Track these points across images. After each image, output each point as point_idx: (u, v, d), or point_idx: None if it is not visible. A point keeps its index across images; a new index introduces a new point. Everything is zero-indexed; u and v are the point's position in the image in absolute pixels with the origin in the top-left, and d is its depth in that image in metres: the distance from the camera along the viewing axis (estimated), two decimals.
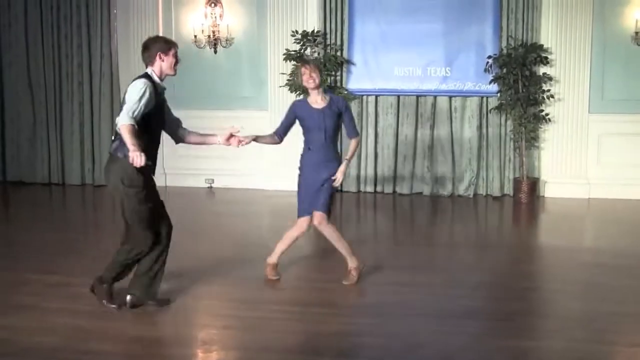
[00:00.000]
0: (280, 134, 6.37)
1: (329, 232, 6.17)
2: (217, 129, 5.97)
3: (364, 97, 11.06)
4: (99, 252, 7.37)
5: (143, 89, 5.07)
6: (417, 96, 10.97)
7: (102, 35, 11.59)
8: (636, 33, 10.20)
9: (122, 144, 5.03)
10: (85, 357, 4.55)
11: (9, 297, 5.78)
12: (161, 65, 5.33)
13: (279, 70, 10.96)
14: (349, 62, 10.98)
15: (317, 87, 6.05)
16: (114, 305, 5.43)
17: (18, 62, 11.87)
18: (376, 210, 10.47)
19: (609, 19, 10.42)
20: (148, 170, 5.21)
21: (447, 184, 10.94)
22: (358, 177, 11.18)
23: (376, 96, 11.01)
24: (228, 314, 5.50)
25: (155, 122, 5.31)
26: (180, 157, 10.74)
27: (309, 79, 6.00)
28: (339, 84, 11.02)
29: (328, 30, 10.99)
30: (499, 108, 10.54)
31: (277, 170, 11.14)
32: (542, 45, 10.34)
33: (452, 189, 10.93)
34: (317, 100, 6.11)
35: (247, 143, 5.96)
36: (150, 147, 5.17)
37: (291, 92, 10.60)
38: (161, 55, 5.32)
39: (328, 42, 10.98)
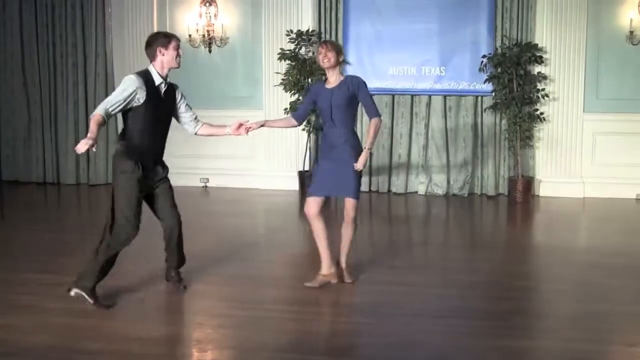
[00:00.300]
0: (297, 116, 6.29)
1: (352, 219, 6.15)
2: None
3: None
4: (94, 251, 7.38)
5: (124, 86, 5.26)
6: (412, 95, 10.99)
7: (97, 35, 11.58)
8: (631, 32, 10.22)
9: (122, 137, 5.41)
10: (81, 356, 4.55)
11: (4, 297, 5.76)
12: (162, 60, 5.42)
13: (273, 69, 10.96)
14: (344, 61, 10.95)
15: (332, 67, 5.92)
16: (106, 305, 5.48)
17: (13, 61, 11.86)
18: (371, 209, 10.47)
19: (604, 18, 10.44)
20: (138, 159, 5.37)
21: (442, 183, 10.95)
22: None
23: (371, 95, 11.00)
24: (223, 313, 5.49)
25: (149, 117, 5.38)
26: (175, 156, 10.68)
27: (324, 58, 5.89)
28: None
29: (323, 30, 10.99)
30: (493, 107, 10.55)
31: (272, 169, 11.15)
32: (536, 45, 10.35)
33: (446, 188, 10.94)
34: (331, 81, 5.99)
35: (255, 128, 6.02)
36: (141, 142, 5.38)
37: (286, 91, 10.61)
38: (161, 49, 5.41)
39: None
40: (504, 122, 10.66)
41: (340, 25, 11.03)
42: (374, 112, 6.00)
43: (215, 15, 11.15)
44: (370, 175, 11.18)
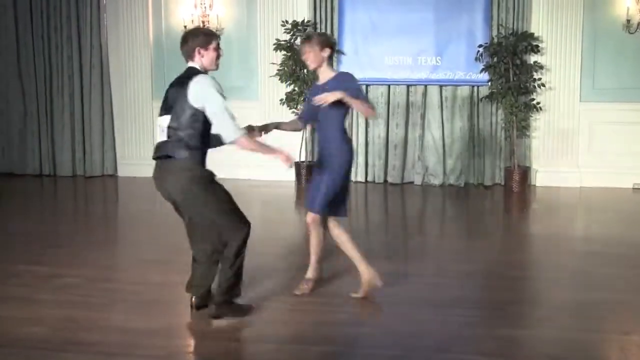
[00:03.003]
0: (300, 118, 5.86)
1: (314, 235, 5.66)
2: None
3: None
4: (89, 243, 7.37)
5: (215, 88, 4.79)
6: (408, 85, 10.97)
7: (92, 27, 11.54)
8: (628, 21, 10.20)
9: (178, 143, 4.78)
10: (75, 348, 4.53)
11: None
12: (202, 61, 4.91)
13: (269, 60, 10.93)
14: (339, 51, 10.93)
15: (318, 67, 5.44)
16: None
17: (8, 53, 11.81)
18: (367, 200, 10.46)
19: (600, 6, 10.43)
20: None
21: (438, 173, 10.94)
22: None
23: (367, 85, 10.98)
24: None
25: (208, 121, 4.87)
26: None
27: (306, 59, 5.45)
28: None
29: (318, 20, 10.97)
30: (489, 97, 10.54)
31: (263, 160, 11.11)
32: (532, 34, 10.33)
33: (443, 179, 10.93)
34: (321, 78, 5.52)
35: (270, 130, 5.67)
36: (205, 147, 4.93)
37: (281, 82, 10.59)
38: (200, 50, 4.90)
39: (318, 31, 10.95)
40: (500, 111, 10.66)
41: (335, 15, 11.00)
42: (367, 111, 5.49)
43: (210, 6, 11.10)
44: (367, 165, 11.17)
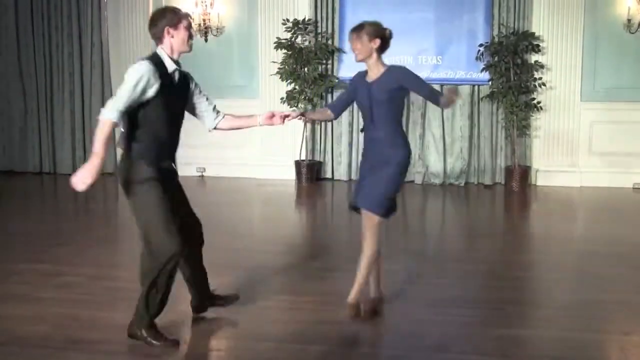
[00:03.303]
0: (333, 107, 5.30)
1: (369, 245, 4.99)
2: None
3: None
4: (90, 241, 7.37)
5: (136, 76, 4.25)
6: None
7: (93, 25, 11.55)
8: (628, 20, 10.20)
9: (128, 140, 4.41)
10: (77, 346, 4.53)
11: (0, 287, 5.75)
12: (171, 42, 4.45)
13: (270, 58, 10.93)
14: (340, 50, 10.95)
15: (366, 57, 4.93)
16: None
17: (8, 52, 11.83)
18: None
19: (601, 6, 10.43)
20: (155, 162, 4.41)
21: (438, 173, 10.94)
22: (349, 165, 11.17)
23: None
24: None
25: (165, 112, 4.41)
26: None
27: (354, 50, 4.96)
28: (330, 73, 11.00)
29: (319, 19, 10.96)
30: (490, 96, 10.54)
31: (268, 159, 11.13)
32: (533, 33, 10.34)
33: (443, 178, 10.93)
34: (371, 74, 4.98)
35: (294, 117, 5.10)
36: (156, 142, 4.42)
37: (282, 80, 10.59)
38: (169, 30, 4.43)
39: (319, 30, 10.96)
40: (500, 111, 10.66)
41: (336, 14, 11.00)
42: (435, 97, 4.88)
43: (211, 4, 11.10)
44: None
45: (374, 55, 4.91)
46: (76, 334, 4.73)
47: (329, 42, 10.94)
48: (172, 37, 4.45)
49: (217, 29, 11.08)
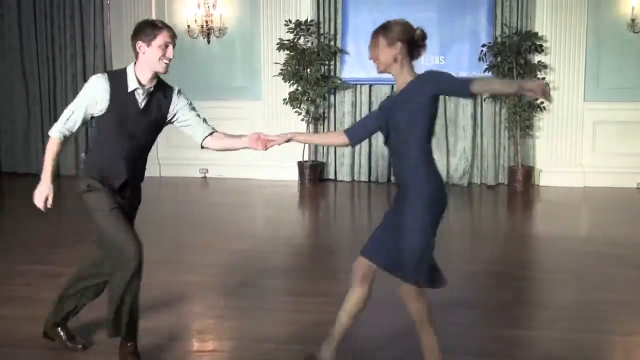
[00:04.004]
0: (352, 134, 4.32)
1: (416, 312, 4.13)
2: (210, 120, 4.73)
3: (358, 87, 11.04)
4: (93, 242, 7.37)
5: (83, 90, 4.14)
6: None
7: (95, 26, 11.57)
8: (632, 20, 10.17)
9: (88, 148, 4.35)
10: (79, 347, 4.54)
11: (3, 288, 5.76)
12: (142, 59, 4.07)
13: (272, 59, 10.92)
14: (343, 51, 10.95)
15: (387, 67, 3.97)
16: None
17: (12, 54, 11.84)
18: (370, 199, 10.46)
19: (605, 6, 10.41)
20: (100, 179, 4.21)
21: (441, 173, 10.90)
22: (352, 166, 11.16)
23: (370, 85, 11.00)
24: (222, 304, 5.48)
25: (114, 132, 4.13)
26: (174, 146, 10.70)
27: (372, 60, 4.03)
28: (332, 74, 11.00)
29: (321, 20, 10.96)
30: (493, 97, 10.52)
31: (271, 160, 11.12)
32: (536, 33, 10.32)
33: (446, 178, 10.91)
34: (397, 85, 4.02)
35: (278, 143, 4.29)
36: (103, 161, 4.21)
37: (285, 81, 10.59)
38: (141, 45, 4.04)
39: (321, 31, 10.95)
40: (503, 111, 10.64)
41: (339, 15, 10.99)
42: (466, 91, 3.78)
43: (213, 6, 11.10)
44: (370, 165, 11.16)
45: (397, 63, 3.94)
46: (80, 335, 4.73)
47: (332, 43, 10.94)
48: (144, 53, 4.05)
49: (219, 30, 11.09)
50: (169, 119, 4.32)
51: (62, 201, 10.54)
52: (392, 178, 11.01)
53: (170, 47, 4.08)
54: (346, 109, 11.06)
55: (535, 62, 10.39)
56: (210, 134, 4.39)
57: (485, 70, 10.40)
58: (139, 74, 4.10)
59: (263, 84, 11.20)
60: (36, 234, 7.75)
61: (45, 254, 6.86)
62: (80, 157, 11.77)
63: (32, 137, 11.91)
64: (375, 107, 11.01)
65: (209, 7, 11.09)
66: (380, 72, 4.01)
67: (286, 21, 10.67)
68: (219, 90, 11.23)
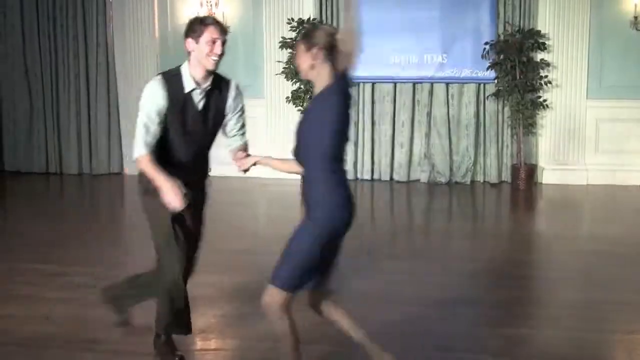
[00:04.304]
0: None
1: (274, 320, 3.95)
2: None
3: (361, 85, 11.03)
4: (96, 241, 7.39)
5: (142, 101, 4.06)
6: (414, 83, 10.95)
7: (98, 25, 11.56)
8: (635, 18, 10.14)
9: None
10: (85, 346, 4.55)
11: (6, 287, 5.78)
12: (193, 57, 4.02)
13: (275, 58, 10.92)
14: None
15: (307, 75, 3.79)
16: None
17: (14, 52, 11.83)
18: (373, 197, 10.45)
19: (607, 3, 10.38)
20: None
21: (444, 171, 10.92)
22: (355, 164, 11.15)
23: (373, 83, 10.99)
24: (226, 303, 5.49)
25: (176, 134, 4.07)
26: None
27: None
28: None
29: (324, 18, 10.95)
30: (496, 95, 10.51)
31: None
32: (539, 31, 10.30)
33: (449, 176, 10.90)
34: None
35: (246, 167, 4.47)
36: (167, 162, 4.04)
37: (287, 80, 10.58)
38: (190, 42, 4.00)
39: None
40: (506, 109, 10.63)
41: (341, 13, 10.97)
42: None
43: (216, 4, 11.10)
44: (373, 163, 11.16)
45: (313, 70, 3.77)
46: (82, 334, 4.75)
47: None
48: (193, 50, 3.99)
49: None
50: (226, 116, 4.26)
51: (63, 201, 10.60)
52: (395, 176, 11.03)
53: (219, 42, 4.00)
54: None
55: (538, 60, 10.37)
56: (237, 144, 4.41)
57: (488, 69, 10.39)
58: (193, 73, 4.03)
59: (265, 82, 11.19)
60: (37, 233, 7.76)
61: (46, 253, 6.87)
62: (92, 156, 11.79)
63: (35, 137, 11.90)
64: (377, 104, 11.06)
65: (211, 5, 11.08)
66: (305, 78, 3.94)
67: (289, 19, 10.66)
68: None
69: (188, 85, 4.02)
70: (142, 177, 4.07)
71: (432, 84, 10.89)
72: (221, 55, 4.04)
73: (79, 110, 11.73)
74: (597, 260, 6.63)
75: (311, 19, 10.69)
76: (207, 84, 4.09)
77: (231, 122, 4.30)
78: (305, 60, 3.74)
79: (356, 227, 6.13)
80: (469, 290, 5.79)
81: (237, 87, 4.32)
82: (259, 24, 11.19)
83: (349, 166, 11.08)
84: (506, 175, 10.79)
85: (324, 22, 10.92)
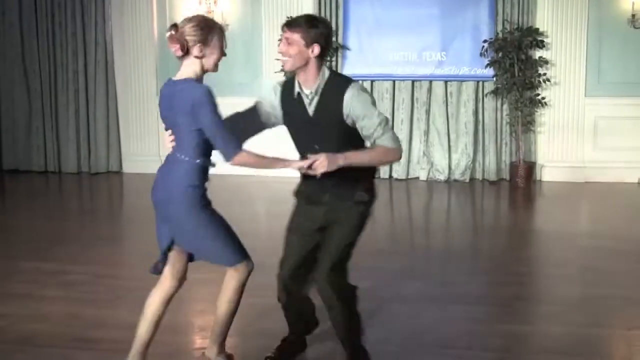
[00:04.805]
0: None
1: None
2: None
3: (360, 83, 11.01)
4: (94, 239, 7.38)
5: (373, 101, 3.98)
6: (413, 81, 10.94)
7: (97, 23, 11.53)
8: (633, 16, 10.14)
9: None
10: (81, 345, 4.55)
11: (4, 286, 5.77)
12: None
13: (273, 56, 10.90)
14: (344, 47, 10.93)
15: (289, 70, 4.00)
16: None
17: (13, 50, 11.80)
18: None
19: (605, 1, 10.38)
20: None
21: (443, 169, 10.92)
22: None
23: (372, 81, 10.98)
24: None
25: (292, 138, 4.21)
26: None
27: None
28: (334, 69, 10.99)
29: (323, 15, 10.93)
30: (494, 92, 10.51)
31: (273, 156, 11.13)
32: (537, 29, 10.30)
33: (448, 174, 10.90)
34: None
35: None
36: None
37: (287, 77, 10.56)
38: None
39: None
40: (505, 107, 10.63)
41: (340, 10, 10.98)
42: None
43: (215, 2, 11.09)
44: None
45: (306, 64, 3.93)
46: (80, 332, 4.75)
47: (333, 38, 10.92)
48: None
49: None
50: (349, 122, 3.87)
51: (62, 199, 10.59)
52: (394, 174, 11.02)
53: (283, 40, 3.86)
54: None
55: (537, 57, 10.37)
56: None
57: (486, 66, 10.38)
58: (296, 76, 3.92)
59: (265, 81, 11.18)
60: (35, 232, 7.75)
61: (44, 251, 6.86)
62: (91, 154, 11.78)
63: (33, 135, 11.88)
64: (378, 103, 11.02)
65: (210, 3, 11.07)
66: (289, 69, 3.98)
67: (287, 17, 10.62)
68: (220, 86, 10.94)
69: (295, 88, 3.98)
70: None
71: (430, 81, 10.89)
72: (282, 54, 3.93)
73: (78, 108, 11.71)
74: (597, 257, 6.63)
75: None
76: (314, 87, 3.96)
77: (367, 131, 3.93)
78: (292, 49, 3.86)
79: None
80: (469, 287, 5.80)
81: (353, 87, 4.00)
82: (257, 22, 11.17)
83: None
84: (505, 173, 10.78)
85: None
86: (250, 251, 4.32)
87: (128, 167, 11.67)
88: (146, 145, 11.39)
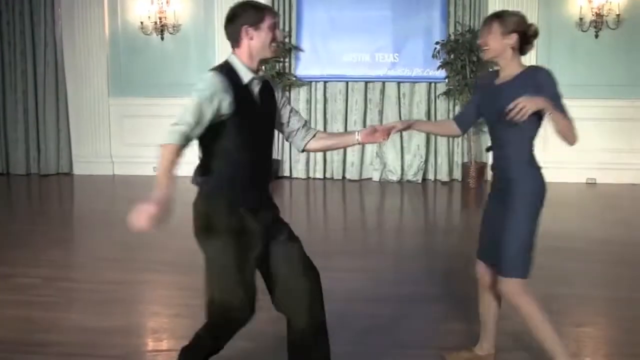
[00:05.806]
0: (459, 121, 4.39)
1: (523, 308, 4.06)
2: (164, 118, 4.74)
3: (313, 84, 11.06)
4: (45, 242, 7.26)
5: (200, 96, 3.36)
6: (366, 82, 11.01)
7: (46, 22, 11.37)
8: (580, 19, 10.35)
9: (203, 172, 3.57)
10: (33, 349, 4.47)
11: None
12: (249, 45, 3.51)
13: (227, 56, 10.85)
14: (298, 48, 10.94)
15: (496, 55, 3.95)
16: None
17: None
18: (325, 196, 10.47)
19: (554, 4, 10.57)
20: (238, 201, 3.52)
21: (396, 170, 10.99)
22: (307, 163, 11.18)
23: (325, 82, 11.02)
24: (179, 303, 5.44)
25: (244, 134, 3.47)
26: (128, 145, 10.58)
27: (483, 44, 3.97)
28: (287, 71, 10.99)
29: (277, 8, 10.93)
30: (447, 94, 10.62)
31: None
32: None
33: (401, 175, 10.99)
34: (502, 74, 4.02)
35: (400, 129, 4.26)
36: (237, 174, 3.49)
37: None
38: (248, 30, 3.50)
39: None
40: (457, 108, 10.74)
41: (294, 11, 10.99)
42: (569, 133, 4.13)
43: (167, 2, 11.01)
44: (325, 162, 11.19)
45: (509, 51, 3.92)
46: (32, 336, 4.67)
47: (287, 40, 10.92)
48: (252, 39, 3.51)
49: (173, 26, 10.99)
50: (276, 116, 3.75)
51: (11, 201, 10.40)
52: (347, 175, 11.06)
53: (277, 28, 3.59)
54: (301, 106, 11.06)
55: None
56: (312, 134, 3.85)
57: (438, 68, 10.49)
58: (249, 63, 3.53)
59: None
60: None
61: None
62: (41, 156, 11.59)
63: None
64: (329, 103, 11.09)
65: (162, 3, 10.99)
66: (488, 59, 4.00)
67: None
68: (173, 87, 11.10)
69: (245, 75, 3.52)
70: (202, 211, 3.67)
71: (383, 83, 10.97)
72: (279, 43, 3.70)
73: (27, 108, 11.53)
74: (548, 256, 6.69)
75: None
76: (261, 75, 3.62)
77: (291, 118, 3.85)
78: (500, 42, 3.92)
79: (308, 226, 6.15)
80: (423, 286, 5.83)
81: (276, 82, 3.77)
82: (210, 21, 11.11)
83: (301, 166, 11.12)
84: (457, 174, 10.91)
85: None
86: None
87: (79, 169, 11.52)
88: (97, 147, 11.25)
